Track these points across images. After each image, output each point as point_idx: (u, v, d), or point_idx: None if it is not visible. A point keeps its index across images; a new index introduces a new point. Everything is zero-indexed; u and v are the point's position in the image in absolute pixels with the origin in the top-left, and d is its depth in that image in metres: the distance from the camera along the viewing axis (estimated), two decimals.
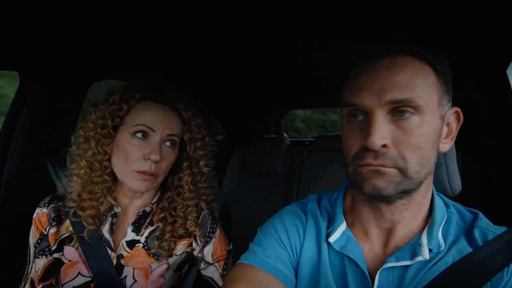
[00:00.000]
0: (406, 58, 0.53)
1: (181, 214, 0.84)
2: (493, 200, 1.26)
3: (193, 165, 0.87)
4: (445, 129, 0.57)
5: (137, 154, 0.76)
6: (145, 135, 0.77)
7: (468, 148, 1.31)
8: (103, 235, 0.81)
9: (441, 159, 0.75)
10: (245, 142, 1.99)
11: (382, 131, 0.51)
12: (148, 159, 0.76)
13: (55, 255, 0.81)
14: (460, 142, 0.81)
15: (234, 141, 2.30)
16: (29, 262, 0.82)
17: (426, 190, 0.59)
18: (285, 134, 3.03)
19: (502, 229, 0.57)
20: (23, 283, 0.82)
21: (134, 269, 0.81)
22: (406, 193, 0.54)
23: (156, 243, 0.82)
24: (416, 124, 0.51)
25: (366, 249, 0.61)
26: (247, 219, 1.81)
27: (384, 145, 0.51)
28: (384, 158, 0.51)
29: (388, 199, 0.55)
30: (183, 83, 1.76)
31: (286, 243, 0.64)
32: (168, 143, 0.80)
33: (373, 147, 0.51)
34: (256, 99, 2.28)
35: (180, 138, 0.85)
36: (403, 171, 0.52)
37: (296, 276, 0.63)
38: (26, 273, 0.82)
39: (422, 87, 0.51)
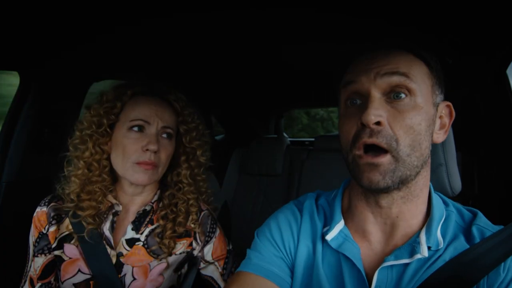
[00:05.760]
0: (400, 52, 0.57)
1: (182, 209, 0.85)
2: (493, 200, 1.25)
3: (190, 158, 0.89)
4: (438, 120, 0.59)
5: (135, 147, 0.78)
6: (141, 128, 0.79)
7: (468, 148, 1.31)
8: (103, 233, 0.81)
9: (441, 159, 0.75)
10: (245, 142, 1.99)
11: (377, 108, 0.53)
12: (147, 150, 0.78)
13: (56, 252, 0.81)
14: (460, 142, 0.81)
15: (234, 141, 2.30)
16: (29, 261, 0.82)
17: (424, 183, 0.59)
18: (285, 134, 3.04)
19: (501, 228, 0.57)
20: (23, 281, 0.82)
21: (133, 267, 0.81)
22: (403, 182, 0.54)
23: (157, 240, 0.82)
24: (410, 106, 0.54)
25: (364, 248, 0.61)
26: (247, 219, 1.81)
27: (379, 123, 0.52)
28: (379, 136, 0.52)
29: (386, 190, 0.55)
30: (183, 83, 1.76)
31: (280, 244, 0.65)
32: (164, 135, 0.82)
33: (368, 122, 0.52)
34: (256, 99, 2.28)
35: (175, 131, 0.86)
36: (395, 155, 0.52)
37: (292, 276, 0.64)
38: (25, 271, 0.82)
39: (416, 72, 0.55)
